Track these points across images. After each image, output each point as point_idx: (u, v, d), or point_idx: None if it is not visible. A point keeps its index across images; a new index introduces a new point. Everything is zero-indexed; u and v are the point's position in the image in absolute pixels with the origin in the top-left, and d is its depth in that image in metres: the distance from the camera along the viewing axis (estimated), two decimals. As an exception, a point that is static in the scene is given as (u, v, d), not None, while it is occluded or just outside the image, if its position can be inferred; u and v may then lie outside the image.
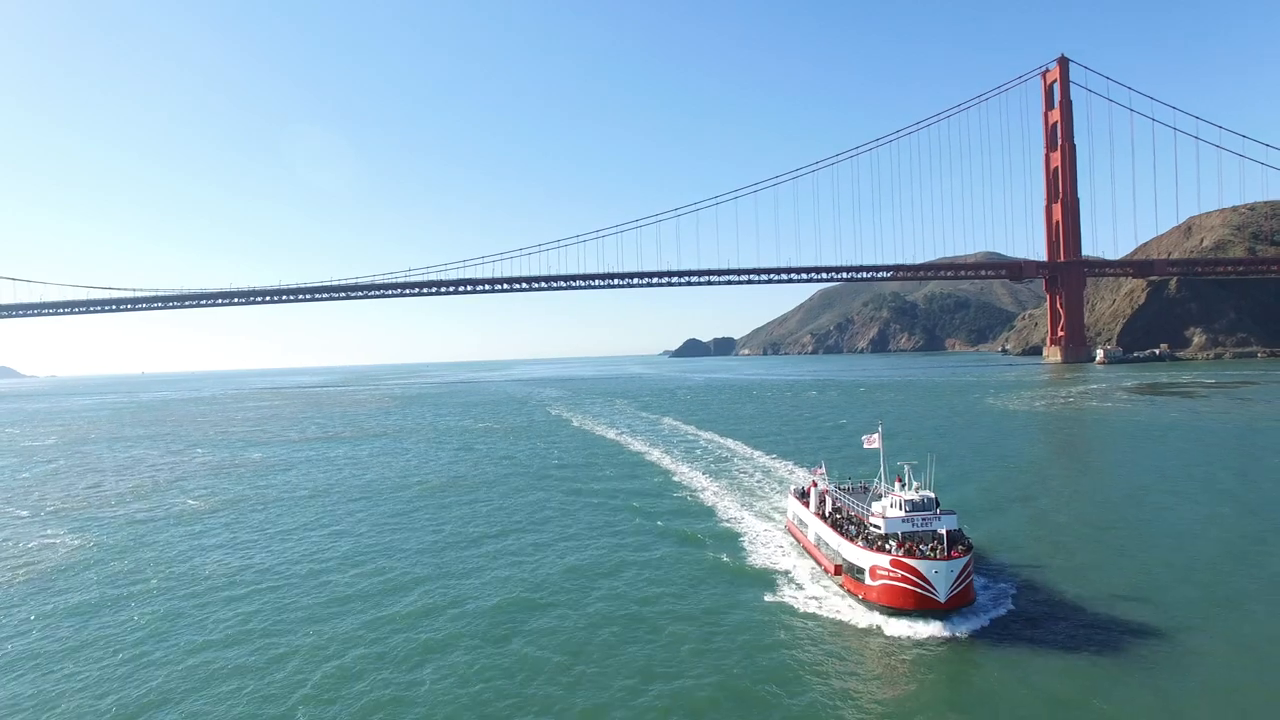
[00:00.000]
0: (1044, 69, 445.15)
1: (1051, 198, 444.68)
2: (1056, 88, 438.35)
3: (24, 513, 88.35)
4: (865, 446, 61.16)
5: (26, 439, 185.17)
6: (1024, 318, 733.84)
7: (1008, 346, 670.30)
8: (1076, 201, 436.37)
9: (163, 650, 45.52)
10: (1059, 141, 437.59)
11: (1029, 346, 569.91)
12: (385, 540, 70.29)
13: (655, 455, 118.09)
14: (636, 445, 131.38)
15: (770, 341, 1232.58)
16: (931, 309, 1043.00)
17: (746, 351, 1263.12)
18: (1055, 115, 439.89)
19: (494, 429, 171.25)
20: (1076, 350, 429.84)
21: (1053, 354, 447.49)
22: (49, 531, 77.94)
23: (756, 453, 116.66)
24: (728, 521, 73.81)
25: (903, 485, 52.81)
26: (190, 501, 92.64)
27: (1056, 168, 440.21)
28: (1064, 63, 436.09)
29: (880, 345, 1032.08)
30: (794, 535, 64.77)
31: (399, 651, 44.26)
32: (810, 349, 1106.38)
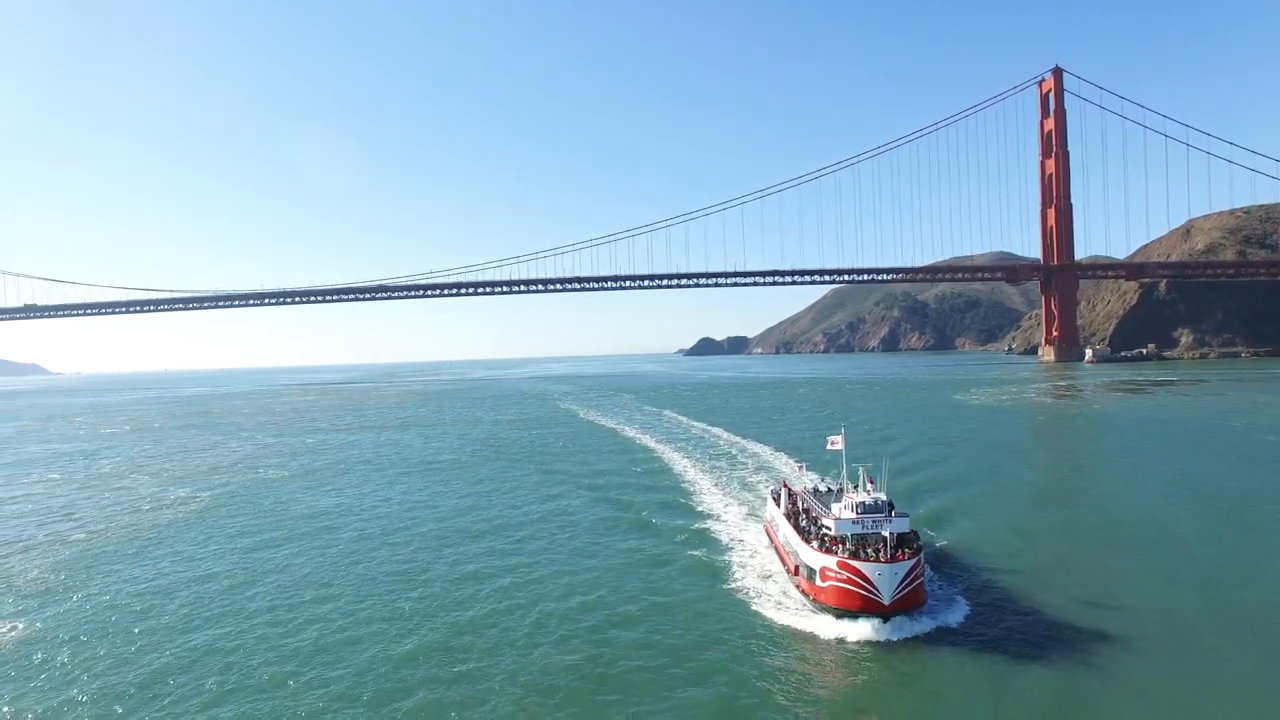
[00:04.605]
0: (1039, 79, 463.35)
1: (1046, 203, 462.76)
2: (1051, 97, 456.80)
3: (147, 478, 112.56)
4: (829, 448, 61.54)
5: (103, 428, 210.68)
6: (1030, 317, 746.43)
7: (1013, 345, 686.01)
8: (1070, 207, 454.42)
9: (298, 563, 68.30)
10: (1053, 149, 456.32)
11: (1030, 346, 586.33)
12: (419, 504, 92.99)
13: (648, 444, 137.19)
14: (630, 433, 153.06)
15: (783, 340, 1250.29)
16: (942, 309, 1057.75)
17: (759, 350, 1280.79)
18: (1050, 124, 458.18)
19: (508, 420, 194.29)
20: (1069, 350, 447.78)
21: (1047, 354, 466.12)
22: (177, 491, 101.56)
23: (738, 440, 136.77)
24: (706, 517, 76.10)
25: (855, 488, 54.54)
26: (270, 473, 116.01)
27: (1051, 174, 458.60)
28: (1058, 73, 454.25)
29: (891, 344, 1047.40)
30: (769, 535, 65.94)
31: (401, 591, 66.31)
32: (822, 348, 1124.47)
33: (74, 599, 57.42)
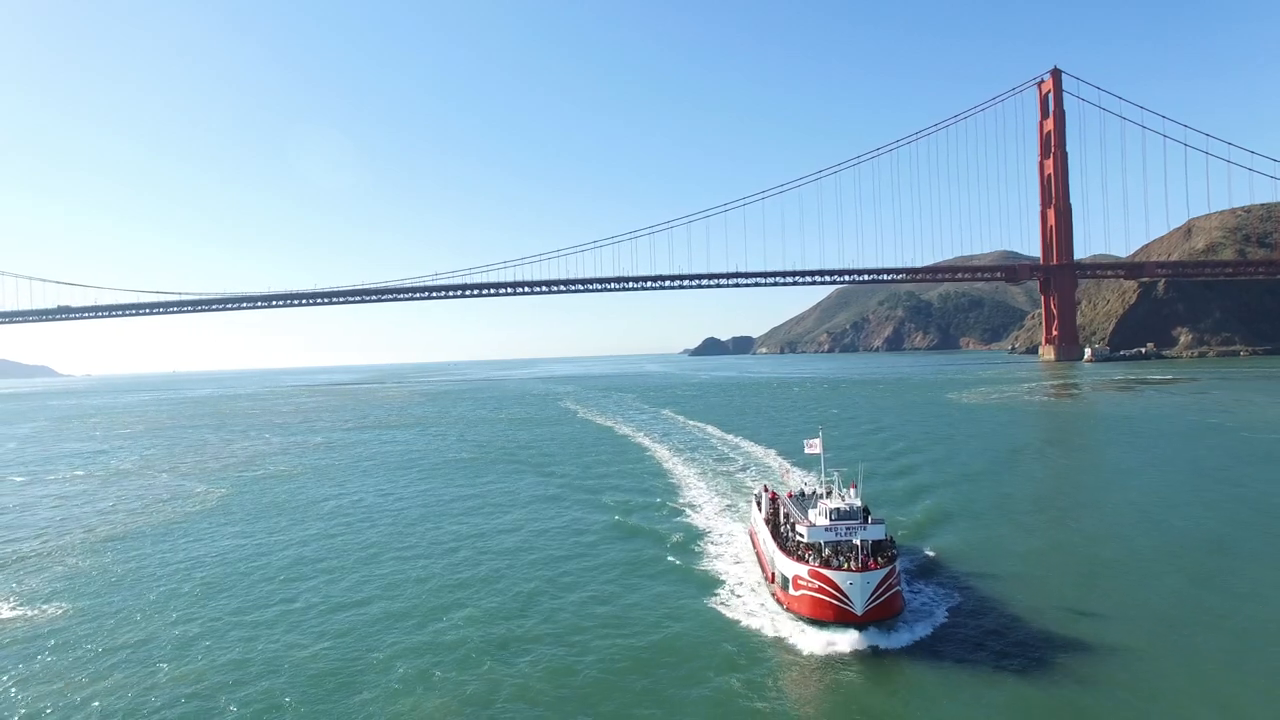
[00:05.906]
0: (1039, 80, 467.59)
1: (1046, 203, 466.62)
2: (1051, 98, 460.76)
3: (164, 474, 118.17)
4: (807, 452, 60.69)
5: (117, 428, 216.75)
6: (1033, 317, 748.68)
7: (1015, 345, 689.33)
8: (1069, 207, 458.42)
9: (308, 547, 73.55)
10: (1053, 149, 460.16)
11: (1033, 345, 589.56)
12: (421, 502, 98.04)
13: (643, 442, 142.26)
14: (626, 431, 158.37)
15: (788, 340, 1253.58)
16: (946, 308, 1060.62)
17: (764, 350, 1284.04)
18: (1049, 124, 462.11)
19: (511, 420, 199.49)
20: (1069, 349, 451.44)
21: (1047, 353, 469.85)
22: (193, 486, 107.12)
23: (730, 438, 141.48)
24: (692, 520, 76.23)
25: (829, 493, 53.52)
26: (281, 468, 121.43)
27: (1050, 174, 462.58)
28: (1057, 74, 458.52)
29: (895, 344, 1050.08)
30: (751, 540, 64.88)
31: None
32: (826, 347, 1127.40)
33: (109, 583, 62.85)
